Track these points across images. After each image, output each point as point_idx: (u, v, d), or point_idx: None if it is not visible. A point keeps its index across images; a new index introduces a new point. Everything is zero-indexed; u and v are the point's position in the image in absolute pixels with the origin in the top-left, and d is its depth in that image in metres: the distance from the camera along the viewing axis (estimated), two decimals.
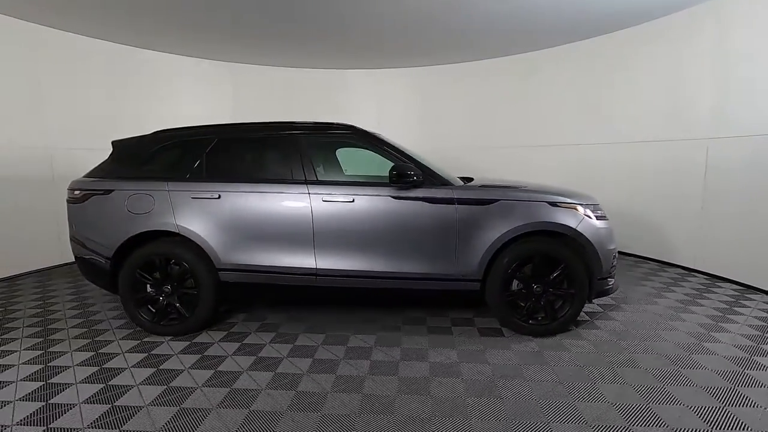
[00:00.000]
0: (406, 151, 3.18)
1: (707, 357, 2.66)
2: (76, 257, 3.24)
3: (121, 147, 3.31)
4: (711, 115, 4.37)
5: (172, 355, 2.79)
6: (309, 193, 3.00)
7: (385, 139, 3.24)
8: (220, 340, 3.01)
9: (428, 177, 3.02)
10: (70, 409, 2.19)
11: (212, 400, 2.26)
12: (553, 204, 2.98)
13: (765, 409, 2.10)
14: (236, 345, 2.93)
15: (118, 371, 2.58)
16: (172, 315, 3.11)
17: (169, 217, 3.02)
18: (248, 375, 2.52)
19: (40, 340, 3.04)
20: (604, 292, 3.08)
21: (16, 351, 2.86)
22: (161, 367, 2.63)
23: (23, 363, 2.69)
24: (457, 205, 2.97)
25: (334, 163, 3.62)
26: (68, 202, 3.22)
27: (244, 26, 4.98)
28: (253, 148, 3.26)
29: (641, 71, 5.07)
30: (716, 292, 3.93)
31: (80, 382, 2.45)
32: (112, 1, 4.18)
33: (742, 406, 2.13)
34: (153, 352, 2.84)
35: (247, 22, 4.85)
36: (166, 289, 3.07)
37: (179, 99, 6.17)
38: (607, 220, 3.12)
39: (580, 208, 3.01)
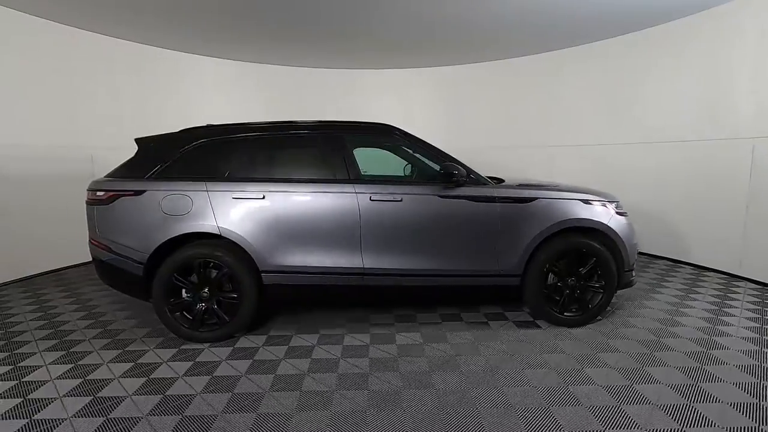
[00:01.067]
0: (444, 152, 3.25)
1: None
2: (97, 261, 3.03)
3: (148, 145, 3.12)
4: (756, 112, 4.15)
5: (221, 361, 2.69)
6: (356, 193, 3.00)
7: (423, 140, 3.29)
8: (264, 345, 2.94)
9: (469, 176, 3.11)
10: (137, 423, 2.06)
11: (286, 406, 2.21)
12: (586, 201, 3.17)
13: None
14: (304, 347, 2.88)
15: (169, 381, 2.46)
16: (210, 320, 2.98)
17: (210, 218, 2.89)
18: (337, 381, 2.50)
19: (62, 351, 2.82)
20: (628, 284, 3.32)
21: (40, 365, 2.64)
22: (216, 374, 2.53)
23: (58, 378, 2.49)
24: (498, 204, 3.08)
25: (376, 163, 3.62)
26: (89, 203, 3.00)
27: (269, 28, 5.09)
28: (293, 147, 3.19)
29: (675, 69, 4.90)
30: None
31: (135, 394, 2.31)
32: (142, 5, 4.32)
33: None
34: (199, 360, 2.72)
35: (272, 24, 4.94)
36: (204, 294, 2.95)
37: (205, 99, 6.34)
38: (627, 216, 3.36)
39: (608, 204, 3.22)
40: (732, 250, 4.43)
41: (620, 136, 5.55)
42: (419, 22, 4.97)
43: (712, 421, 2.04)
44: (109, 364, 2.67)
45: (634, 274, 3.33)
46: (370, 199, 2.99)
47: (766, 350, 2.78)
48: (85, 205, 3.09)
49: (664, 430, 1.99)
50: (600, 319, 3.35)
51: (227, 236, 2.90)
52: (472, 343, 2.95)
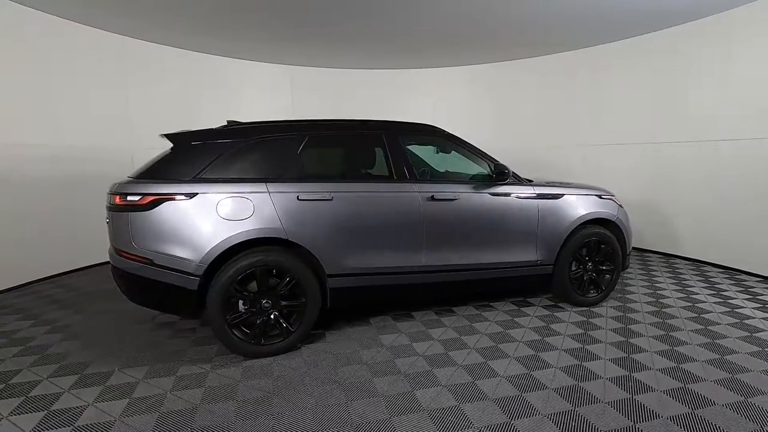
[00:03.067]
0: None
1: None
2: (130, 277, 2.58)
3: (186, 142, 2.74)
4: None
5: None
6: (418, 192, 3.03)
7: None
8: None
9: (513, 175, 3.36)
10: None
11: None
12: (600, 197, 3.64)
13: None
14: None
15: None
16: (272, 332, 2.75)
17: (275, 221, 2.67)
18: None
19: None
20: (626, 267, 3.89)
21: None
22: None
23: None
24: (538, 200, 3.38)
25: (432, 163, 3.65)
26: (118, 209, 2.55)
27: (305, 30, 5.24)
28: (352, 146, 3.08)
29: (730, 63, 4.58)
30: None
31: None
32: (184, 12, 4.54)
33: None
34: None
35: (312, 25, 5.05)
36: (266, 304, 2.71)
37: (241, 101, 6.48)
38: (624, 208, 3.91)
39: (615, 198, 3.74)
40: None
41: (666, 133, 5.25)
42: (459, 20, 4.89)
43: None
44: None
45: (629, 258, 3.91)
46: (432, 198, 3.05)
47: None
48: (108, 211, 2.63)
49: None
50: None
51: (295, 240, 2.71)
52: (544, 326, 3.20)
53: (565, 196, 3.49)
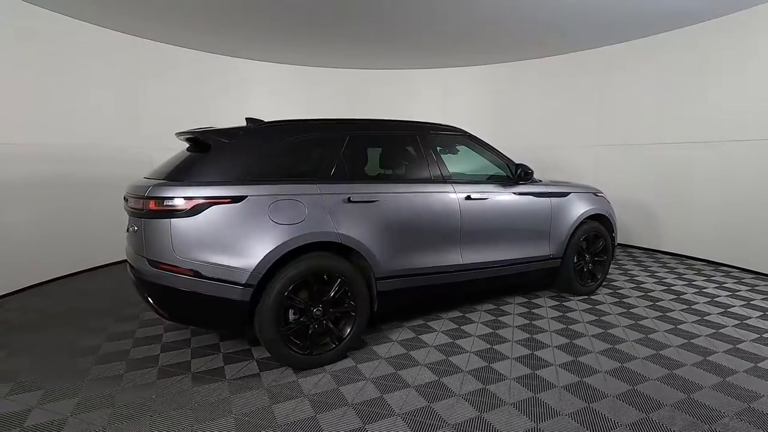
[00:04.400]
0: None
1: None
2: (171, 292, 2.30)
3: (221, 141, 2.49)
4: None
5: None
6: (455, 192, 3.08)
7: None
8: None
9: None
10: None
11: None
12: (595, 194, 4.00)
13: None
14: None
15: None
16: (323, 341, 2.62)
17: (328, 224, 2.55)
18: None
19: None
20: (613, 258, 4.30)
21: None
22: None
23: None
24: (551, 198, 3.62)
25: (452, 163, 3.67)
26: (154, 215, 2.26)
27: (317, 31, 5.33)
28: (386, 146, 3.03)
29: (744, 63, 4.59)
30: None
31: None
32: (198, 14, 4.64)
33: None
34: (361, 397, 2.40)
35: (322, 27, 5.17)
36: (317, 312, 2.58)
37: (256, 101, 6.53)
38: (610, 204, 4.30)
39: (604, 195, 4.13)
40: None
41: (679, 134, 5.24)
42: (470, 19, 4.93)
43: None
44: None
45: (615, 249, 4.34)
46: (468, 198, 3.13)
47: None
48: (133, 218, 2.33)
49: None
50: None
51: (348, 244, 2.61)
52: (561, 315, 3.41)
53: (570, 195, 3.77)
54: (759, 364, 2.63)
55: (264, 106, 6.48)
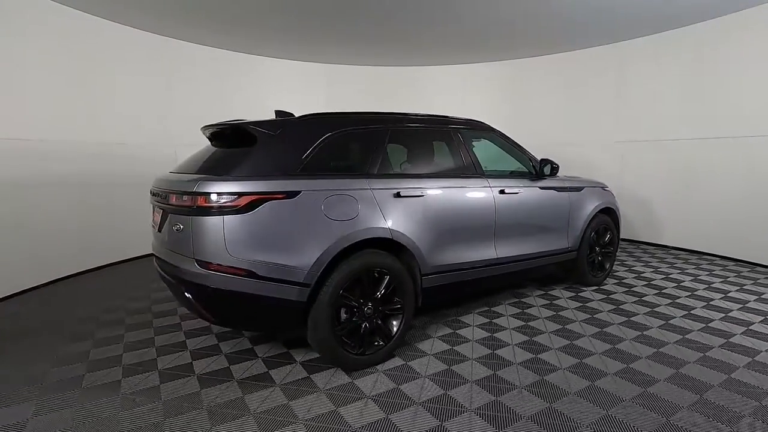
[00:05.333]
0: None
1: None
2: (223, 294, 2.14)
3: (267, 134, 2.34)
4: None
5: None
6: (491, 186, 3.10)
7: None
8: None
9: None
10: None
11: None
12: (603, 188, 4.16)
13: None
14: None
15: None
16: (374, 340, 2.55)
17: (380, 220, 2.48)
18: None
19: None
20: (617, 249, 4.49)
21: None
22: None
23: None
24: (569, 192, 3.72)
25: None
26: (203, 212, 2.10)
27: (339, 30, 5.43)
28: (424, 141, 2.98)
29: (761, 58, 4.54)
30: None
31: None
32: (222, 12, 4.71)
33: None
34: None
35: (343, 26, 5.28)
36: (368, 310, 2.50)
37: (275, 99, 6.35)
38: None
39: (610, 189, 4.30)
40: None
41: (701, 130, 5.14)
42: (489, 18, 4.97)
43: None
44: None
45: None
46: (501, 192, 3.15)
47: None
48: (177, 216, 2.16)
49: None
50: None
51: (398, 240, 2.55)
52: (582, 305, 3.51)
53: (585, 189, 3.90)
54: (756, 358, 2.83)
55: (284, 104, 6.04)
